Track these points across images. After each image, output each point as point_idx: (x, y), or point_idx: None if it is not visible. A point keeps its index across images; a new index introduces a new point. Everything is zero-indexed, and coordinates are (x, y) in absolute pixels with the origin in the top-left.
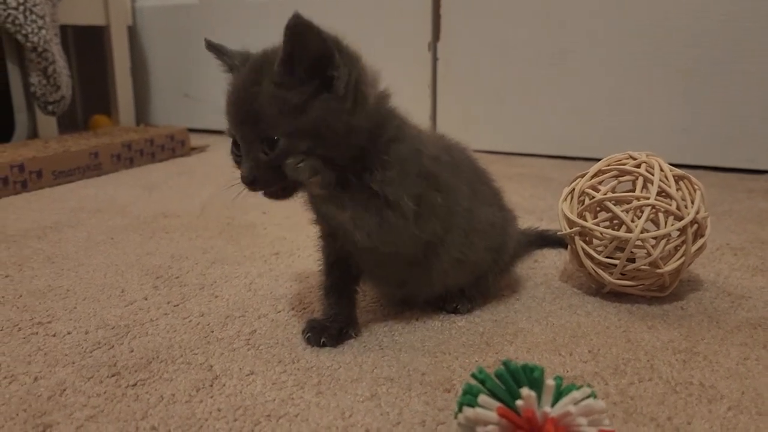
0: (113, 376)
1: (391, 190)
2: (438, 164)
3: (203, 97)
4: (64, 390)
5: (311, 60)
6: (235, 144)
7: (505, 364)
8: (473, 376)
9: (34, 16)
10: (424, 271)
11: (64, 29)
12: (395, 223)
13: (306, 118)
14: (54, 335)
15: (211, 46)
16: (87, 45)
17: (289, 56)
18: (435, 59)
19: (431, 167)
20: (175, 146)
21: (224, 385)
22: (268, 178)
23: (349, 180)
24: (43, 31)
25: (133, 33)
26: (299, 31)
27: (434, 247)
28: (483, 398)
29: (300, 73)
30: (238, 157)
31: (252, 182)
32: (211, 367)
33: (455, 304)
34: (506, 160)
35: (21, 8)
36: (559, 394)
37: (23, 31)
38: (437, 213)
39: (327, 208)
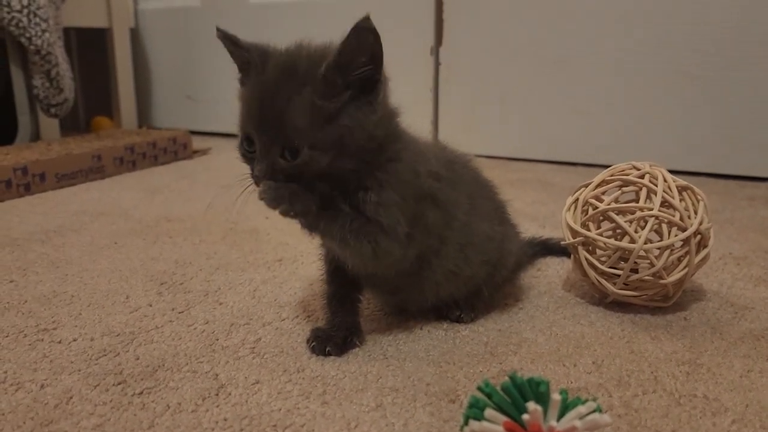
0: (119, 384)
1: (386, 214)
2: (437, 181)
3: (205, 99)
4: (71, 398)
5: (362, 63)
6: (247, 140)
7: (512, 377)
8: (479, 389)
9: (37, 19)
10: (417, 281)
11: (66, 31)
12: (388, 247)
13: (333, 128)
14: (59, 342)
15: (226, 37)
16: (89, 47)
17: (348, 57)
18: (437, 64)
19: (430, 186)
20: (178, 149)
21: (230, 394)
22: (295, 192)
23: (337, 204)
24: (47, 34)
25: (135, 35)
26: (367, 33)
27: (428, 258)
28: (489, 412)
29: (345, 77)
30: (249, 154)
31: (278, 201)
32: (217, 375)
33: (458, 312)
34: (507, 164)
35: (25, 11)
36: (564, 408)
37: (27, 34)
38: (431, 230)
39: (316, 234)
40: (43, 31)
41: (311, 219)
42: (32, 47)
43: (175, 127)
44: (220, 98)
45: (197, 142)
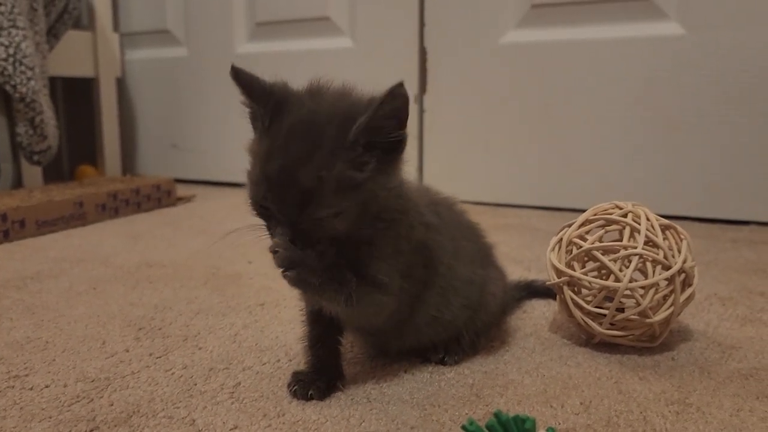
0: (92, 431)
1: (384, 272)
2: (428, 230)
3: (191, 147)
4: None
5: (391, 127)
6: (262, 208)
7: (497, 414)
8: (464, 428)
9: (23, 67)
10: (398, 325)
11: (53, 80)
12: (385, 303)
13: (359, 193)
14: (31, 389)
15: (239, 78)
16: (75, 96)
17: (379, 122)
18: (422, 111)
19: (422, 236)
20: (162, 196)
21: None
22: (306, 257)
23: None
24: (32, 82)
25: (122, 84)
26: (400, 99)
27: (411, 304)
28: None
29: (374, 141)
30: (264, 212)
31: (289, 266)
32: (194, 421)
33: (441, 355)
34: (493, 211)
35: (11, 59)
36: None
37: (12, 82)
38: (419, 278)
39: (318, 300)
40: (29, 78)
41: (315, 287)
42: (17, 95)
43: (160, 176)
44: (206, 147)
45: (182, 190)
